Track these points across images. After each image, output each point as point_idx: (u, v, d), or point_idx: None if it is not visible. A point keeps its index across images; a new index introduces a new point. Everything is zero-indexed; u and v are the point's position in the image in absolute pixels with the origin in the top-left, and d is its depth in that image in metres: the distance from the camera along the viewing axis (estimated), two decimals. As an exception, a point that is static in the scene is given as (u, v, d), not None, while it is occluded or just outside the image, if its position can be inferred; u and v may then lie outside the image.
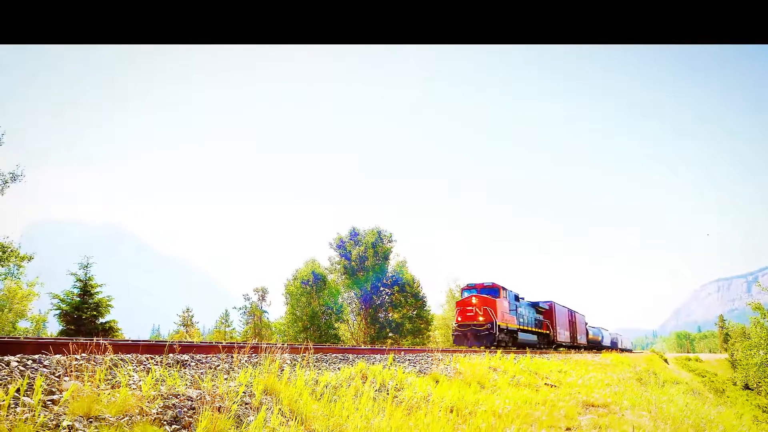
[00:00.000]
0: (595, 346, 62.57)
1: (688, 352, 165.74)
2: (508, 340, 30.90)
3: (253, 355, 8.27)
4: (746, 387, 60.27)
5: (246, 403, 5.68)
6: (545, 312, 43.07)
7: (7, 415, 4.00)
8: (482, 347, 26.69)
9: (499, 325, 28.67)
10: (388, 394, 8.01)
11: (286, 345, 9.20)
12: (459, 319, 29.59)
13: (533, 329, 37.36)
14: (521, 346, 32.35)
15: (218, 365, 7.33)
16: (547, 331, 42.06)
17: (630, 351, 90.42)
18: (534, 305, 40.46)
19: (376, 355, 12.45)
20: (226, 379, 6.31)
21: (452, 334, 30.21)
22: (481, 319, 28.53)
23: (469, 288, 31.72)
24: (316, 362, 9.54)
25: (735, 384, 65.07)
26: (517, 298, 34.63)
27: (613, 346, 76.16)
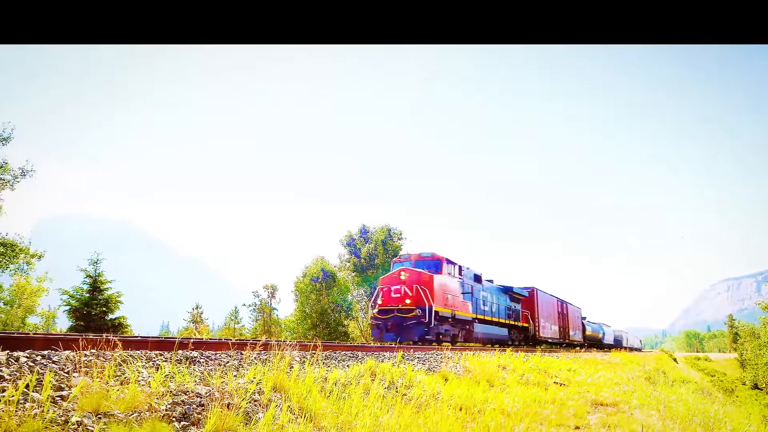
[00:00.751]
0: (594, 344, 56.54)
1: (697, 352, 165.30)
2: (457, 334, 23.18)
3: (262, 352, 8.26)
4: (755, 386, 59.99)
5: (255, 400, 5.67)
6: (524, 300, 35.25)
7: (16, 411, 3.99)
8: (415, 342, 20.30)
9: (437, 312, 20.66)
10: (397, 391, 8.00)
11: (295, 342, 9.19)
12: (380, 302, 21.52)
13: (503, 321, 29.57)
14: (481, 342, 25.91)
15: (227, 362, 7.33)
16: (526, 324, 34.33)
17: (639, 350, 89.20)
18: (506, 290, 31.92)
19: (385, 353, 12.44)
20: (235, 375, 6.31)
21: (370, 324, 22.68)
22: (408, 302, 20.43)
23: (401, 260, 23.72)
24: (325, 360, 9.54)
25: (744, 383, 64.76)
26: (478, 278, 26.94)
27: (617, 344, 71.32)
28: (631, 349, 76.28)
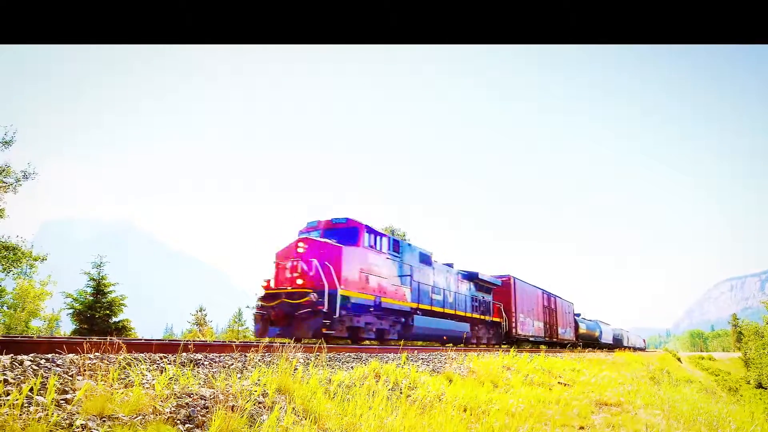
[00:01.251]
0: (590, 343, 52.50)
1: (701, 351, 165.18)
2: (387, 329, 17.91)
3: (266, 354, 8.26)
4: (759, 386, 59.94)
5: (259, 402, 5.67)
6: (496, 290, 29.95)
7: (20, 414, 3.99)
8: (307, 338, 14.57)
9: (348, 298, 15.41)
10: (401, 393, 7.99)
11: (299, 344, 9.17)
12: (266, 284, 16.12)
13: (463, 313, 24.25)
14: (428, 340, 21.56)
15: (232, 364, 7.33)
16: (497, 319, 29.03)
17: (642, 349, 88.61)
18: (470, 277, 26.34)
19: (389, 354, 12.42)
20: (239, 378, 6.31)
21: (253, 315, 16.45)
22: (300, 282, 14.95)
23: (307, 229, 17.72)
24: (329, 361, 9.53)
25: (748, 383, 64.74)
26: (426, 259, 21.49)
27: (617, 344, 67.67)
28: (635, 349, 75.34)
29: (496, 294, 30.03)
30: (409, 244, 20.49)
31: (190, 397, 5.24)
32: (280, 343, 8.32)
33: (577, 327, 48.95)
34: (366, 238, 17.19)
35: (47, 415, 4.07)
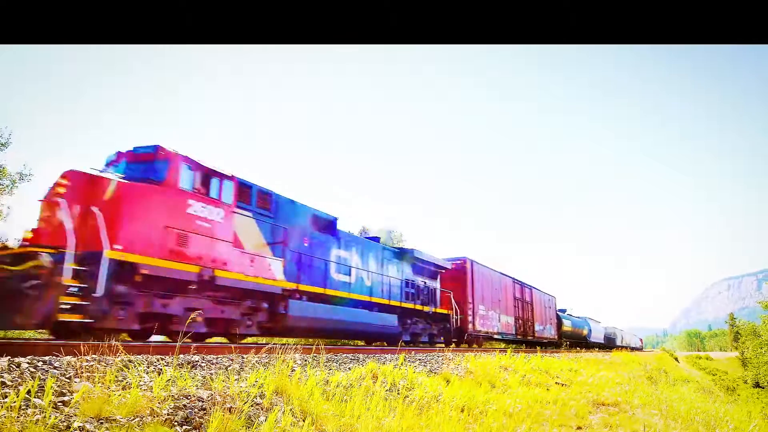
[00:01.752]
0: (577, 342, 47.11)
1: (698, 351, 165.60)
2: (236, 318, 12.27)
3: (264, 355, 8.24)
4: (757, 385, 60.04)
5: (257, 404, 5.65)
6: (447, 275, 24.48)
7: (18, 417, 3.97)
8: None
9: (128, 265, 9.49)
10: (399, 393, 7.97)
11: (297, 345, 9.12)
12: None
13: (391, 302, 18.80)
14: (318, 336, 16.18)
15: (229, 366, 7.31)
16: (446, 310, 23.11)
17: (639, 349, 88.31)
18: (401, 255, 20.80)
19: (386, 355, 12.40)
20: (237, 379, 6.29)
21: None
22: (27, 236, 9.44)
23: (108, 165, 11.39)
24: (326, 362, 9.50)
25: (746, 382, 64.89)
26: (325, 226, 16.23)
27: (609, 343, 63.80)
28: (632, 349, 74.92)
29: (446, 280, 24.47)
30: (293, 201, 14.88)
31: (187, 398, 5.22)
32: (278, 345, 8.29)
33: (560, 324, 44.31)
34: (186, 176, 11.20)
35: (45, 417, 4.05)
